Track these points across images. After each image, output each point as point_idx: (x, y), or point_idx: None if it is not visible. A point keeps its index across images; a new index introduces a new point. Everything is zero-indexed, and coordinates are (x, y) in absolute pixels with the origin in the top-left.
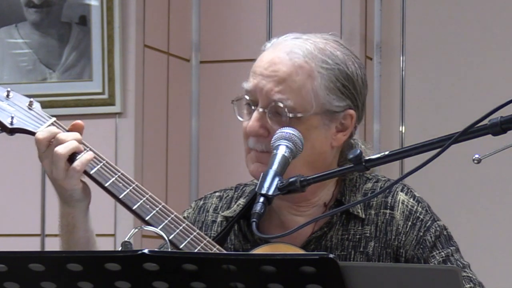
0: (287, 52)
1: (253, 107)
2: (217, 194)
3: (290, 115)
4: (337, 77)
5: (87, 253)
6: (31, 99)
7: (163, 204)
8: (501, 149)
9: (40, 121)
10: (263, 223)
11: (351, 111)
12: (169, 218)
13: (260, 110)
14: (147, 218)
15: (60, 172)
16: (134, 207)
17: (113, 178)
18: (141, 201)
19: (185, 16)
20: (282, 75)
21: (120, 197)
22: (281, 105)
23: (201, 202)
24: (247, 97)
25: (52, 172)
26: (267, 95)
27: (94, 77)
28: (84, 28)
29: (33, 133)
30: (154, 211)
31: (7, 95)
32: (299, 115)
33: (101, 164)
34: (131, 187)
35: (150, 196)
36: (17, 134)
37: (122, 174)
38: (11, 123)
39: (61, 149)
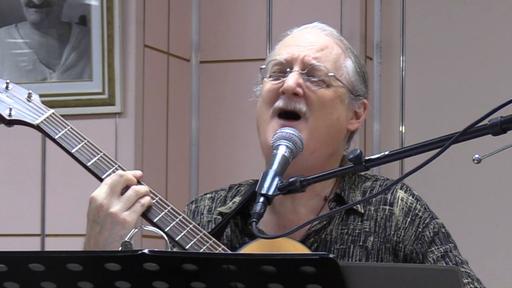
0: (322, 30)
1: (288, 69)
2: (208, 195)
3: (330, 73)
4: (360, 65)
5: (87, 253)
6: (30, 91)
7: (159, 196)
8: (501, 149)
9: (39, 113)
10: None
11: (366, 101)
12: (165, 211)
13: (297, 70)
14: None
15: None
16: None
17: (110, 170)
18: None
19: (185, 16)
20: (320, 46)
21: None
22: (320, 65)
23: (194, 206)
24: (281, 60)
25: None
26: (305, 58)
27: (94, 77)
28: (84, 28)
29: (31, 125)
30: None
31: (6, 87)
32: (336, 77)
33: (99, 156)
34: None
35: None
36: (17, 134)
37: (119, 166)
38: (10, 115)
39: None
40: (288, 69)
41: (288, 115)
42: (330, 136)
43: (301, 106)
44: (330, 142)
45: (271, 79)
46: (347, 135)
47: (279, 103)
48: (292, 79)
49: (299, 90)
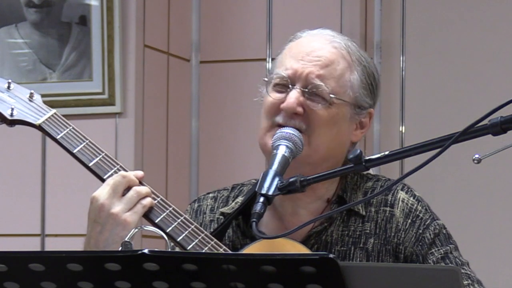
0: (330, 41)
1: (290, 86)
2: (210, 195)
3: (332, 95)
4: (369, 75)
5: (87, 253)
6: (32, 91)
7: (161, 197)
8: (501, 149)
9: (41, 113)
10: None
11: (372, 110)
12: (167, 212)
13: (299, 89)
14: None
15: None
16: None
17: (112, 171)
18: None
19: (185, 16)
20: (325, 61)
21: None
22: (322, 84)
23: (196, 205)
24: (284, 75)
25: (129, 217)
26: (308, 76)
27: (94, 77)
28: (84, 28)
29: (33, 125)
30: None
31: (8, 87)
32: (338, 98)
33: (101, 156)
34: None
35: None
36: (17, 135)
37: (121, 166)
38: (11, 115)
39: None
40: (290, 85)
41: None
42: (331, 151)
43: (301, 124)
44: (330, 157)
45: (273, 91)
46: (350, 147)
47: (279, 119)
48: (292, 98)
49: (299, 109)
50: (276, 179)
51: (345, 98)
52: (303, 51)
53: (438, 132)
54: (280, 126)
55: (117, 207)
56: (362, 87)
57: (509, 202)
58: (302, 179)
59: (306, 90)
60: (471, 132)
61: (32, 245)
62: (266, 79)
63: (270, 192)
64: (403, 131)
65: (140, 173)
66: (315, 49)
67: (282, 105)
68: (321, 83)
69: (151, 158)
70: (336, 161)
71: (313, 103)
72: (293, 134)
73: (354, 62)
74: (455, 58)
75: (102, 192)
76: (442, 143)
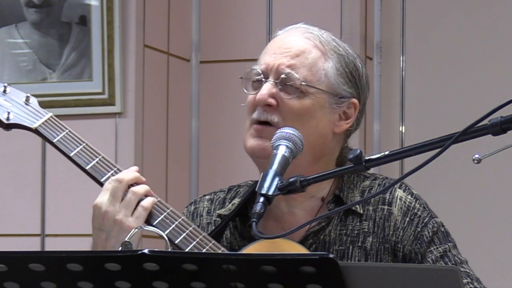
0: (302, 33)
1: (263, 80)
2: (207, 197)
3: (303, 83)
4: (347, 64)
5: (87, 253)
6: (28, 95)
7: (159, 199)
8: (501, 149)
9: (37, 116)
10: None
11: (355, 100)
12: (165, 213)
13: (271, 81)
14: None
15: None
16: None
17: (109, 173)
18: None
19: (185, 16)
20: (296, 51)
21: None
22: (293, 73)
23: (192, 208)
24: (258, 71)
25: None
26: (278, 68)
27: (94, 77)
28: (84, 28)
29: (29, 129)
30: None
31: (4, 90)
32: (310, 85)
33: (98, 159)
34: None
35: None
36: (17, 134)
37: (118, 169)
38: (8, 119)
39: (146, 203)
40: (263, 79)
41: (264, 123)
42: (309, 144)
43: (274, 117)
44: (310, 150)
45: (251, 88)
46: (339, 137)
47: (255, 115)
48: (264, 90)
49: (271, 101)
50: (276, 179)
51: (320, 86)
52: (276, 46)
53: (438, 132)
54: (258, 122)
55: (120, 213)
56: (339, 75)
57: (509, 202)
58: (302, 179)
59: (278, 81)
60: (471, 132)
61: (32, 245)
62: (242, 78)
63: (270, 192)
64: (403, 131)
65: (134, 168)
66: (285, 43)
67: (255, 99)
68: (291, 72)
69: (151, 158)
70: (317, 154)
71: (285, 94)
72: (293, 134)
73: (328, 51)
74: (455, 58)
75: (103, 199)
76: (442, 143)
